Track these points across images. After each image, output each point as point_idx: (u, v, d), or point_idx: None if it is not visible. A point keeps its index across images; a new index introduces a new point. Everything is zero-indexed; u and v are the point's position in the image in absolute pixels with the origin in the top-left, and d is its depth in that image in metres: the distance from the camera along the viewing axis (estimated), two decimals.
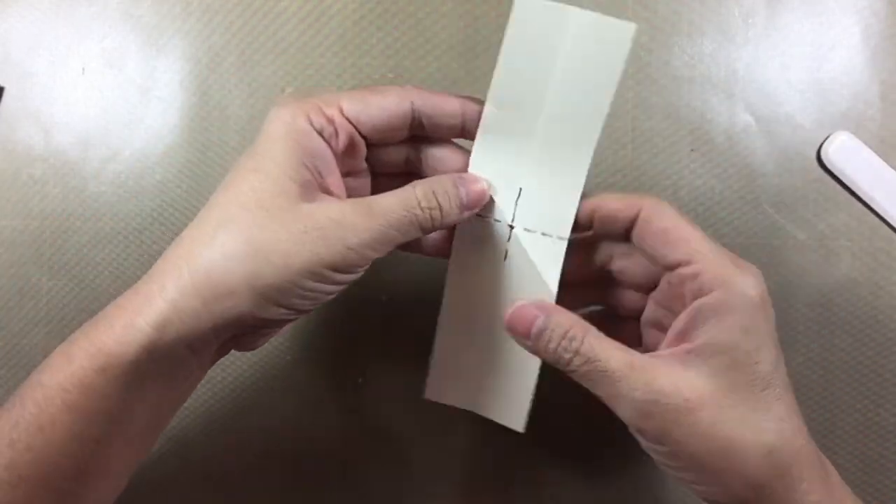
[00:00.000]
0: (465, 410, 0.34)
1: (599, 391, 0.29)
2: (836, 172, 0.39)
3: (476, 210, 0.32)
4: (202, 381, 0.31)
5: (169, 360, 0.28)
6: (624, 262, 0.33)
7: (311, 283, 0.28)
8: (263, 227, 0.28)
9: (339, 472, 0.40)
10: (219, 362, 0.31)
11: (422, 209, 0.30)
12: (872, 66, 0.39)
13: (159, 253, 0.39)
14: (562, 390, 0.39)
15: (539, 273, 0.33)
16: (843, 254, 0.39)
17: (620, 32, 0.31)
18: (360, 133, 0.31)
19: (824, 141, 0.39)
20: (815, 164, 0.39)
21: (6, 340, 0.39)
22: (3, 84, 0.39)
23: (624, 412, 0.28)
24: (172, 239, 0.39)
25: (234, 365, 0.40)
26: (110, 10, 0.40)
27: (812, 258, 0.39)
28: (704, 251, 0.29)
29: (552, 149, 0.32)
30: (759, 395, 0.28)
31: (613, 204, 0.31)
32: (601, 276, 0.34)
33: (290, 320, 0.30)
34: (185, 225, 0.39)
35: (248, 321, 0.28)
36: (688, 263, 0.29)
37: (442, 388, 0.34)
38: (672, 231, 0.30)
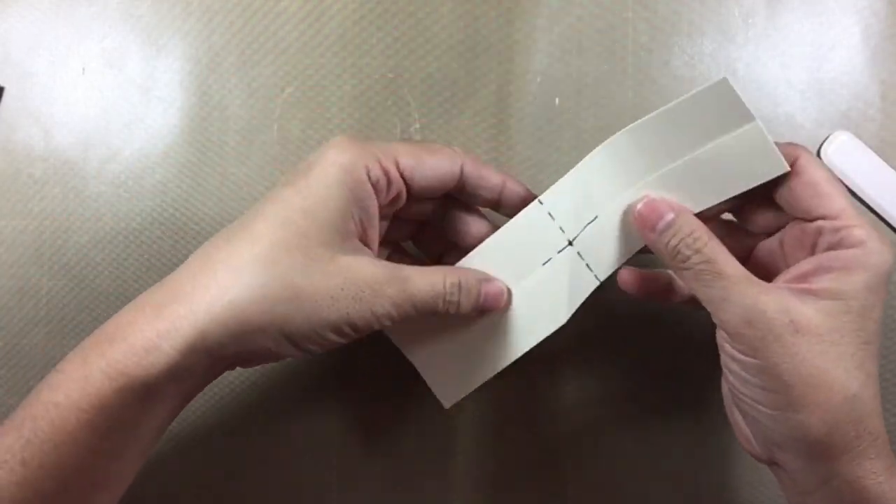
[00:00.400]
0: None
1: (709, 292, 0.30)
2: (835, 172, 0.39)
3: (486, 311, 0.33)
4: None
5: (188, 381, 0.28)
6: (750, 207, 0.34)
7: (331, 336, 0.29)
8: (305, 277, 0.28)
9: (338, 473, 0.40)
10: None
11: (444, 301, 0.31)
12: (872, 66, 0.39)
13: (159, 253, 0.39)
14: (563, 392, 0.40)
15: (565, 294, 0.33)
16: None
17: (722, 89, 0.30)
18: (408, 189, 0.32)
19: (824, 141, 0.39)
20: None
21: (6, 340, 0.39)
22: (3, 84, 0.39)
23: (727, 315, 0.29)
24: (172, 239, 0.39)
25: None
26: (110, 10, 0.40)
27: None
28: (850, 211, 0.30)
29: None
30: (860, 345, 0.29)
31: None
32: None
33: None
34: (186, 225, 0.39)
35: (263, 354, 0.29)
36: (834, 217, 0.30)
37: (448, 391, 0.34)
38: (823, 185, 0.30)
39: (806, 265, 0.30)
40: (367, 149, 0.30)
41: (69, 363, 0.28)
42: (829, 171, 0.31)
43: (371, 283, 0.29)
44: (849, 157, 0.39)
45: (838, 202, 0.30)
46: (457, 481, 0.40)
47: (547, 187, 0.39)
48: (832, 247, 0.30)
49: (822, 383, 0.28)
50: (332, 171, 0.30)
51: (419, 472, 0.40)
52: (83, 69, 0.40)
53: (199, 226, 0.40)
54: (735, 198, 0.32)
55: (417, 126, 0.40)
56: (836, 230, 0.30)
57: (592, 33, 0.39)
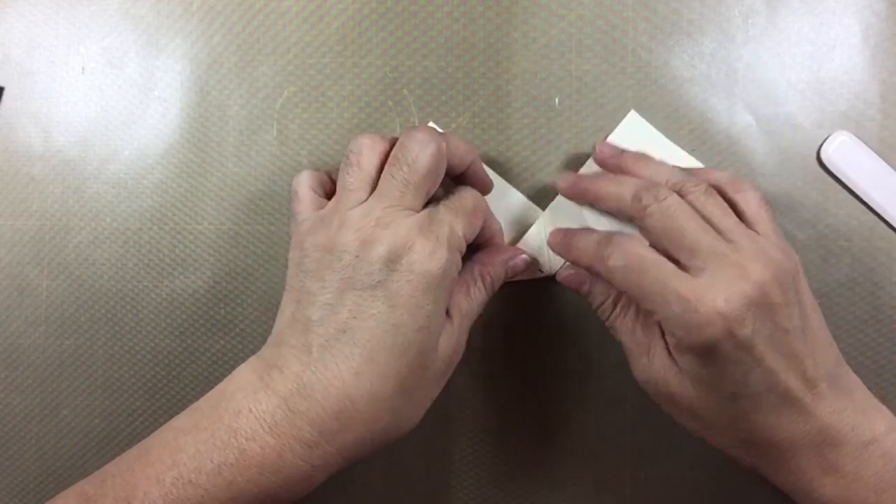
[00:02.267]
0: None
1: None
2: (835, 172, 0.39)
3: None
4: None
5: None
6: None
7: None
8: (428, 388, 0.32)
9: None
10: (221, 366, 0.31)
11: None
12: (873, 66, 0.39)
13: (159, 253, 0.39)
14: (563, 395, 0.40)
15: None
16: (842, 254, 0.39)
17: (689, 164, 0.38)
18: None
19: (824, 141, 0.39)
20: (815, 164, 0.39)
21: (6, 340, 0.39)
22: (3, 84, 0.39)
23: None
24: (172, 239, 0.39)
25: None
26: (110, 10, 0.40)
27: (812, 258, 0.39)
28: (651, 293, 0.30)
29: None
30: (727, 407, 0.30)
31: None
32: None
33: None
34: (185, 225, 0.39)
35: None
36: (651, 313, 0.31)
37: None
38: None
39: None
40: (454, 239, 0.31)
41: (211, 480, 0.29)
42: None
43: (454, 359, 0.32)
44: (849, 157, 0.39)
45: (650, 288, 0.30)
46: (455, 483, 0.40)
47: (546, 187, 0.40)
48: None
49: (710, 435, 0.32)
50: (437, 266, 0.30)
51: (416, 473, 0.40)
52: (83, 69, 0.40)
53: (199, 226, 0.40)
54: None
55: (416, 123, 0.40)
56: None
57: (592, 33, 0.39)
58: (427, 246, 0.30)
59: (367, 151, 0.32)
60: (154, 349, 0.39)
